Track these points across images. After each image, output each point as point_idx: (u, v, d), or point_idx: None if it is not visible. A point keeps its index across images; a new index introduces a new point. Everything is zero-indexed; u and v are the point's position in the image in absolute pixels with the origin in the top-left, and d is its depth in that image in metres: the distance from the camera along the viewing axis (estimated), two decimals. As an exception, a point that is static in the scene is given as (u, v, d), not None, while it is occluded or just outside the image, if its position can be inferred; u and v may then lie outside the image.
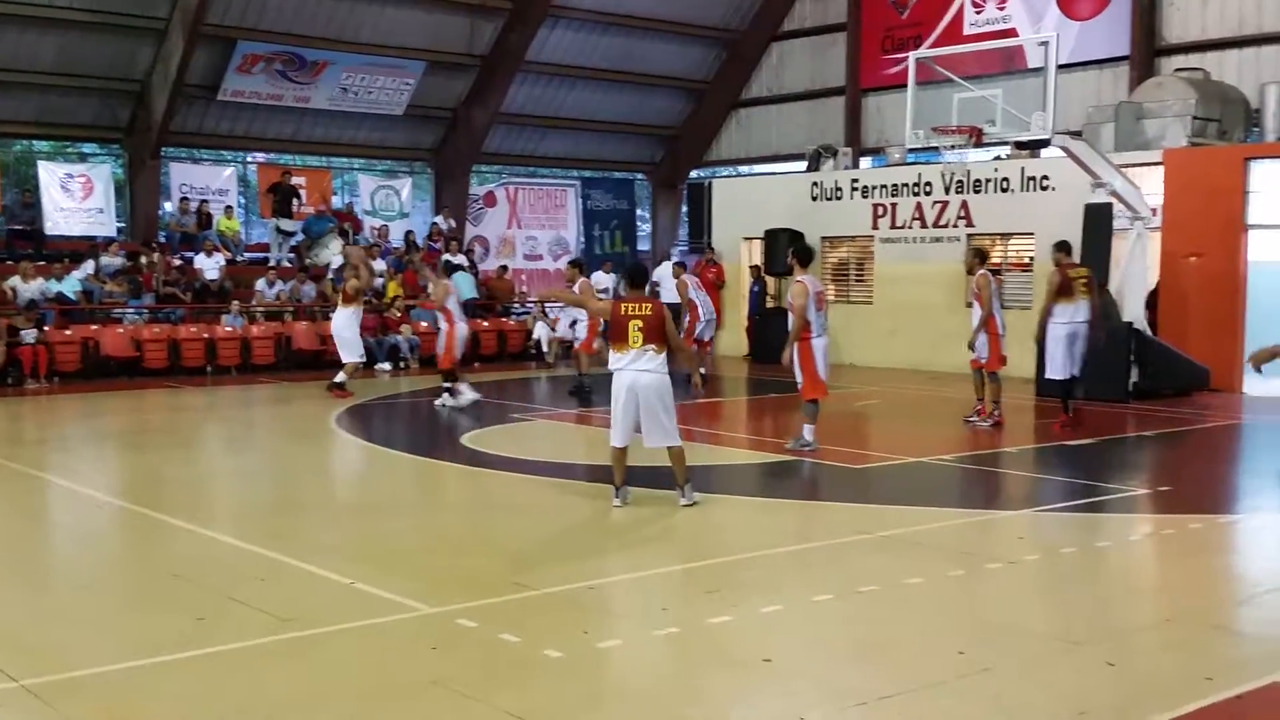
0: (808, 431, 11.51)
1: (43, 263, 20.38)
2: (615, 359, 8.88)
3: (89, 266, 20.25)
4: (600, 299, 13.26)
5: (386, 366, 20.84)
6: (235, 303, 20.76)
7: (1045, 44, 17.12)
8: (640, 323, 8.78)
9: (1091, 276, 13.70)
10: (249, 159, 25.86)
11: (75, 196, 22.82)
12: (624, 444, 8.95)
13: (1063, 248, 13.70)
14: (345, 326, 17.17)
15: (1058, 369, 13.53)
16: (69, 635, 6.16)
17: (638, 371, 8.75)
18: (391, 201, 26.79)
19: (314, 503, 10.04)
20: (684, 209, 28.68)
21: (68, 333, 18.83)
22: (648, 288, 11.82)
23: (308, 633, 6.12)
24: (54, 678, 5.41)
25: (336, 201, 26.03)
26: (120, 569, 7.84)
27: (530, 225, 28.25)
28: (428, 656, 5.77)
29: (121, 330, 19.53)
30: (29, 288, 19.12)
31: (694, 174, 29.41)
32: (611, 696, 5.36)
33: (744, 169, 29.57)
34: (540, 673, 5.52)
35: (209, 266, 21.92)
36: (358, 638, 6.05)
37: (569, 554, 7.86)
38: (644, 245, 30.32)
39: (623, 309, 8.95)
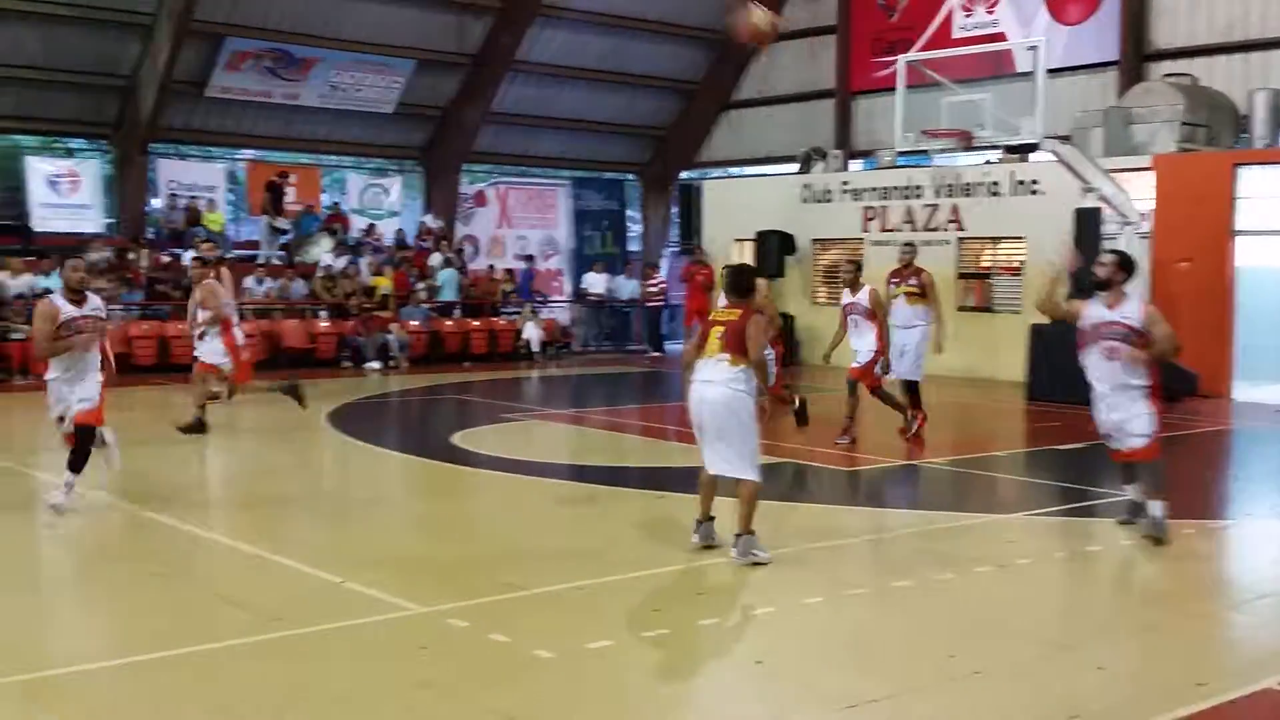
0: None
1: (30, 258, 20.25)
2: (698, 368, 7.59)
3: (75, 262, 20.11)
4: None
5: (376, 365, 20.80)
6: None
7: (1034, 48, 17.20)
8: (721, 329, 7.54)
9: None
10: (238, 156, 25.75)
11: (63, 192, 22.71)
12: (710, 469, 7.63)
13: None
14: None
15: None
16: (51, 633, 6.12)
17: (703, 383, 7.49)
18: (381, 200, 26.73)
19: (303, 500, 10.00)
20: (674, 210, 28.67)
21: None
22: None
23: (295, 631, 6.09)
24: (33, 675, 5.37)
25: (326, 200, 25.95)
26: (104, 566, 7.79)
27: (521, 225, 28.20)
28: (417, 656, 5.74)
29: (111, 327, 19.38)
30: (17, 283, 19.02)
31: (684, 175, 29.40)
32: (600, 698, 5.33)
33: (734, 170, 29.56)
34: (530, 673, 5.50)
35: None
36: (346, 637, 6.03)
37: (560, 554, 7.83)
38: (635, 246, 30.29)
39: (713, 315, 7.83)
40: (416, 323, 22.18)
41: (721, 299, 8.34)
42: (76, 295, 8.81)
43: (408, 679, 5.38)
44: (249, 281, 21.48)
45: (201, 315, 12.80)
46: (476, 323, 23.29)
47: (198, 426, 12.61)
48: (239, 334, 13.23)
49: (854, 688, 5.37)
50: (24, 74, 21.50)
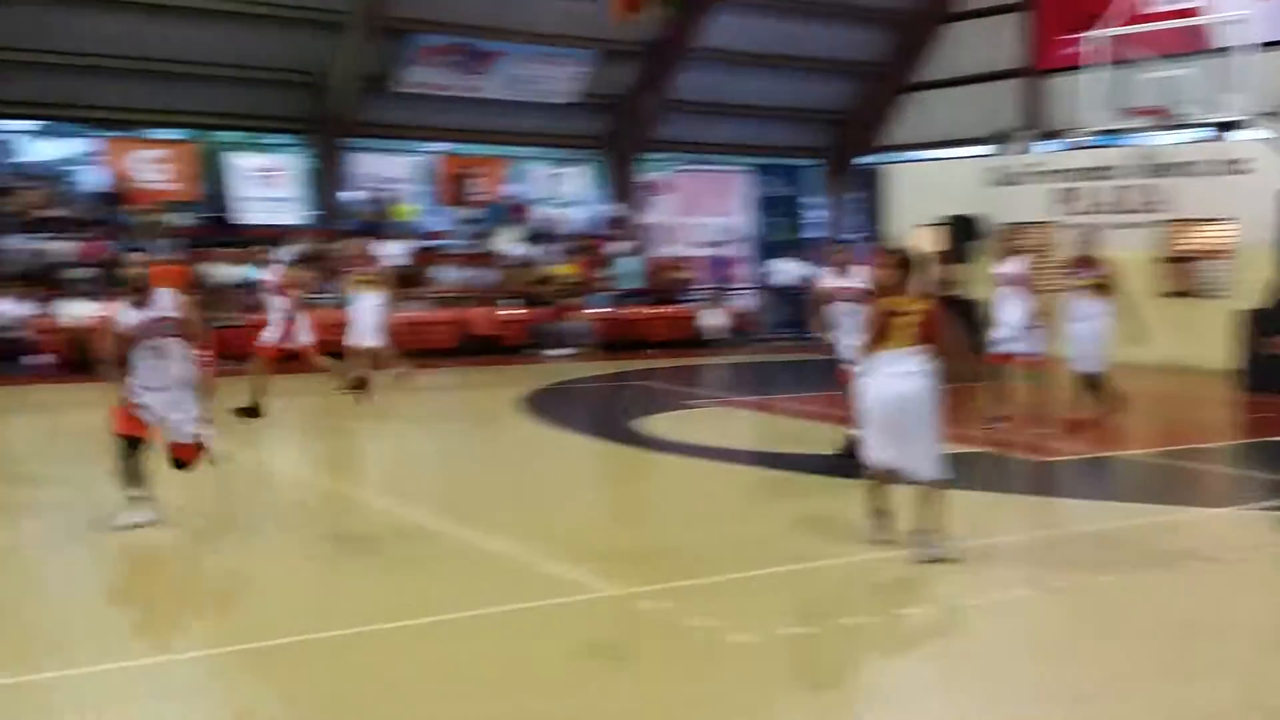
0: None
1: (236, 249, 21.28)
2: (874, 361, 7.31)
3: (281, 254, 21.07)
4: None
5: (561, 352, 21.19)
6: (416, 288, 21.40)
7: (1237, 23, 16.40)
8: (909, 319, 7.19)
9: None
10: (427, 149, 26.53)
11: (265, 186, 23.79)
12: (894, 464, 7.33)
13: None
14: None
15: None
16: (265, 602, 6.43)
17: (899, 376, 7.15)
18: (563, 189, 27.17)
19: (495, 483, 10.26)
20: (856, 195, 28.32)
21: (259, 318, 19.61)
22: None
23: (484, 611, 6.21)
24: (250, 646, 5.68)
25: (511, 190, 26.54)
26: (321, 545, 8.15)
27: (700, 212, 28.30)
28: (606, 638, 5.83)
29: (312, 316, 20.25)
30: (225, 274, 20.04)
31: (865, 159, 29.00)
32: (797, 686, 5.33)
33: (916, 154, 29.01)
34: (723, 659, 5.53)
35: (391, 254, 22.60)
36: (535, 617, 6.11)
37: (745, 540, 7.81)
38: (815, 232, 30.04)
39: (888, 305, 7.34)
40: (599, 310, 22.50)
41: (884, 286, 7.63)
42: (140, 296, 7.82)
43: (603, 661, 5.47)
44: (440, 271, 22.16)
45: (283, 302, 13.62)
46: (658, 309, 23.49)
47: (358, 384, 13.53)
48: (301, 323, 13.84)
49: (1063, 684, 5.25)
50: (225, 73, 22.59)
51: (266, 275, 15.01)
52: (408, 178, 25.56)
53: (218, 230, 22.72)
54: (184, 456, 7.89)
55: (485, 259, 23.26)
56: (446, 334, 21.04)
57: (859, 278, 10.40)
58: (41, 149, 22.84)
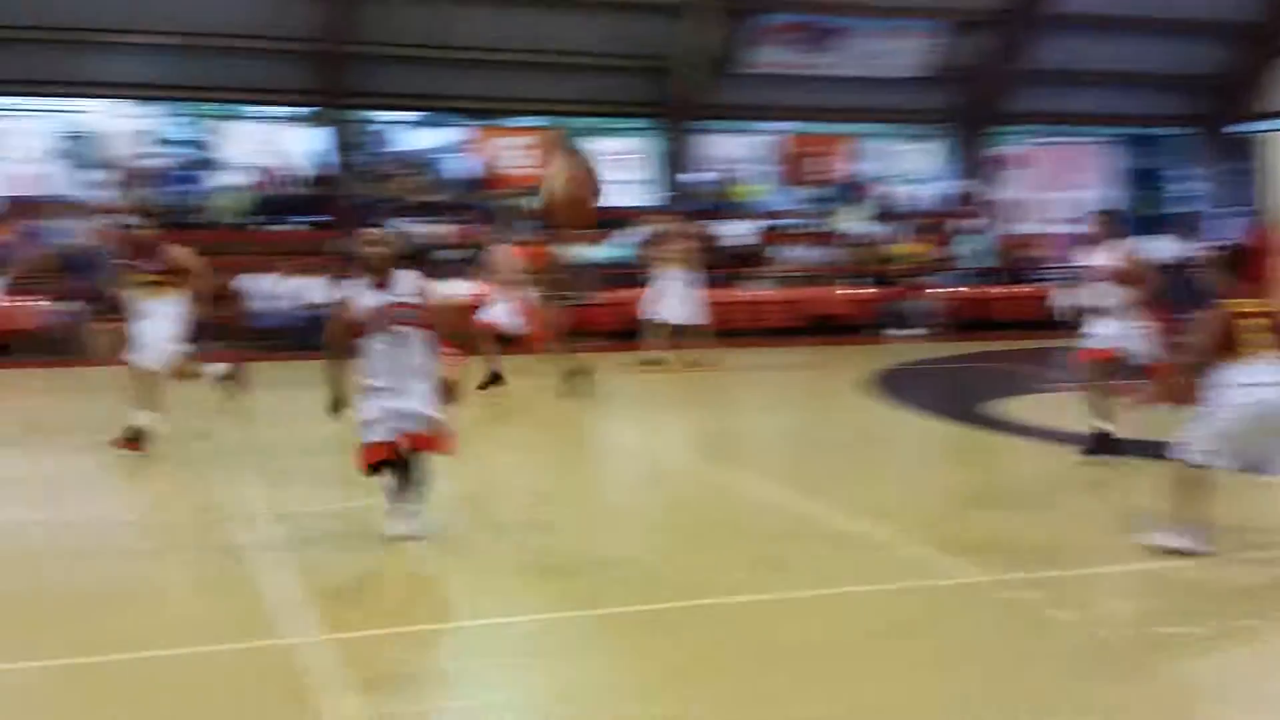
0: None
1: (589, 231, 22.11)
2: (1225, 373, 6.56)
3: (630, 234, 21.79)
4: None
5: (908, 332, 20.82)
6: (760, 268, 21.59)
7: None
8: (1264, 320, 6.56)
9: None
10: (771, 129, 26.65)
11: (619, 170, 24.62)
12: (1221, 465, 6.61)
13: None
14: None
15: None
16: (624, 573, 6.62)
17: (1273, 386, 6.44)
18: (912, 166, 26.63)
19: (844, 462, 10.18)
20: (1231, 166, 26.20)
21: (609, 296, 20.33)
22: None
23: (842, 590, 6.14)
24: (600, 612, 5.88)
25: (856, 168, 26.27)
26: (676, 514, 8.37)
27: (1055, 187, 27.01)
28: (967, 626, 5.66)
29: (442, 313, 20.71)
30: (580, 254, 20.86)
31: (1241, 127, 26.75)
32: (1188, 691, 4.99)
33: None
34: (1095, 656, 5.24)
35: (736, 233, 22.91)
36: (893, 600, 5.99)
37: (1107, 530, 7.38)
38: (1183, 207, 28.04)
39: (1233, 306, 6.62)
40: (947, 289, 21.93)
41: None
42: (379, 278, 6.80)
43: (961, 651, 5.30)
44: (783, 251, 22.26)
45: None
46: (1009, 289, 22.62)
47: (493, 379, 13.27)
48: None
49: None
50: (581, 61, 23.54)
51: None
52: (752, 158, 25.79)
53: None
54: (425, 448, 6.81)
55: (829, 238, 23.15)
56: (788, 314, 21.09)
57: (1118, 253, 9.53)
58: (417, 138, 24.63)
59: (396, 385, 6.68)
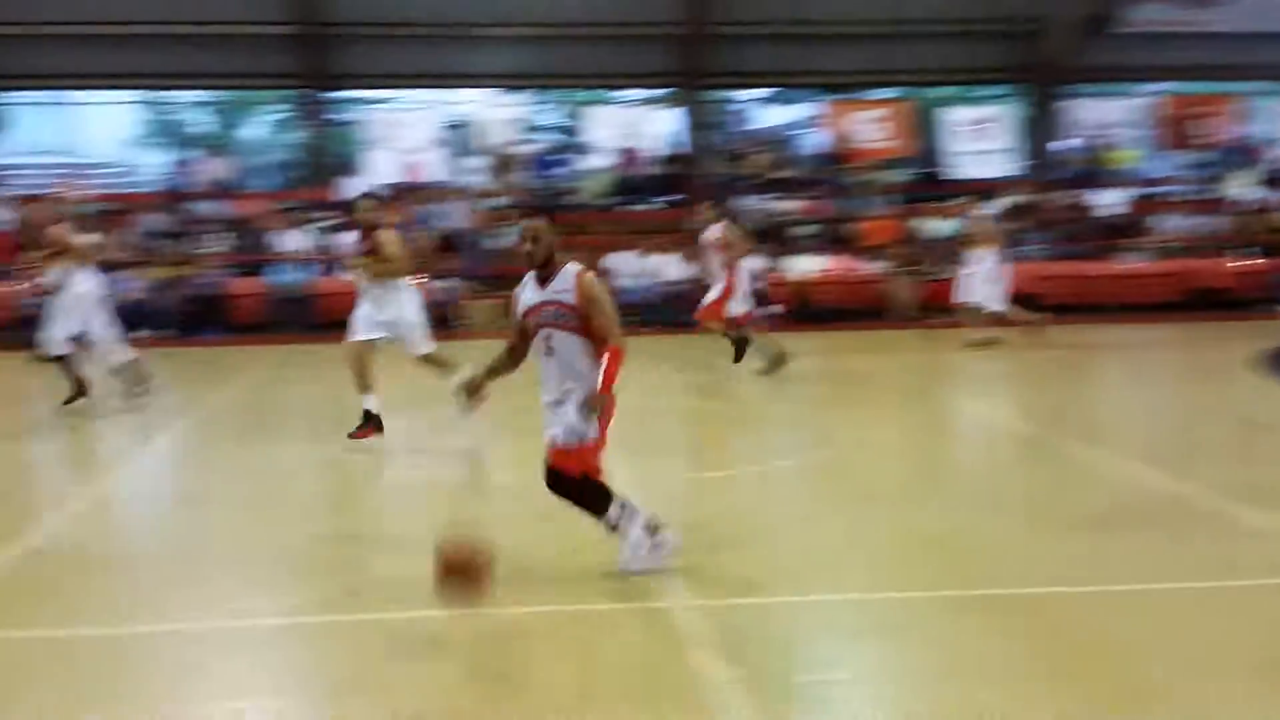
0: None
1: (945, 204, 21.53)
2: None
3: (989, 206, 21.00)
4: None
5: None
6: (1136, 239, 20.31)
7: None
8: None
9: None
10: (1149, 90, 24.94)
11: (977, 139, 23.80)
12: None
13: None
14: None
15: None
16: (965, 557, 6.38)
17: None
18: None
19: (1236, 447, 9.42)
20: None
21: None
22: None
23: (1230, 584, 5.69)
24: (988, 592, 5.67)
25: (1243, 130, 24.17)
26: (1020, 492, 8.02)
27: None
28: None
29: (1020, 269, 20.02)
30: (935, 228, 20.36)
31: None
32: None
33: None
34: None
35: (1108, 202, 21.65)
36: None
37: None
38: None
39: None
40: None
41: None
42: (545, 271, 5.75)
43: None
44: (1160, 220, 20.87)
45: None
46: None
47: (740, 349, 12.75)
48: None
49: None
50: (940, 29, 22.88)
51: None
52: (1126, 122, 24.24)
53: (929, 185, 23.14)
54: (561, 466, 5.65)
55: (1214, 205, 21.44)
56: (1168, 287, 19.69)
57: None
58: (770, 115, 24.74)
59: (556, 395, 5.72)
